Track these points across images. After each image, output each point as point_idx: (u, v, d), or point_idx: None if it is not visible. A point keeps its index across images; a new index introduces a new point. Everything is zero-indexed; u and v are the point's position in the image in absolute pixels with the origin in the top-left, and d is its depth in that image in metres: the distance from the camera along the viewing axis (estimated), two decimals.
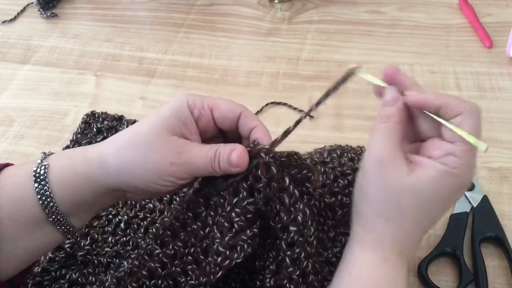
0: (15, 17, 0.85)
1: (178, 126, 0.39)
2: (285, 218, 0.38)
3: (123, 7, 0.85)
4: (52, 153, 0.42)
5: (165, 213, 0.53)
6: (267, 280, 0.39)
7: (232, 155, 0.38)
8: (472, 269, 0.47)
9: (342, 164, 0.52)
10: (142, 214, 0.53)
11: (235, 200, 0.39)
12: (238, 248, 0.38)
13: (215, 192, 0.41)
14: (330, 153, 0.53)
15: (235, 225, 0.38)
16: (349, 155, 0.53)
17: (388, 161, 0.37)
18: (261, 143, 0.40)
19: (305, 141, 0.61)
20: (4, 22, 0.85)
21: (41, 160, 0.40)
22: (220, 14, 0.81)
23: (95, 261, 0.50)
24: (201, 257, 0.40)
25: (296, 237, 0.38)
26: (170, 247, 0.41)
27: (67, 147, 0.62)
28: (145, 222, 0.52)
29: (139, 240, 0.51)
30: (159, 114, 0.39)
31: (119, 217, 0.53)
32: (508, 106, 0.62)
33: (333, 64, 0.70)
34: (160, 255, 0.41)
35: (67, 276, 0.49)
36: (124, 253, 0.50)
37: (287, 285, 0.38)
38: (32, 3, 0.87)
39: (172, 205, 0.54)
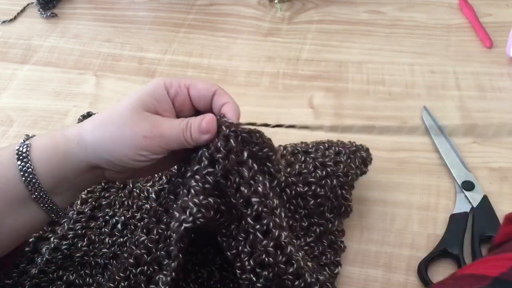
0: (15, 17, 0.85)
1: (152, 104, 0.41)
2: (245, 191, 0.38)
3: (123, 7, 0.85)
4: (34, 136, 0.43)
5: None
6: (246, 263, 0.38)
7: (202, 122, 0.40)
8: None
9: (326, 155, 0.51)
10: (139, 215, 0.53)
11: (196, 167, 0.39)
12: (188, 210, 0.37)
13: (190, 168, 0.41)
14: (318, 144, 0.53)
15: (191, 190, 0.38)
16: (337, 148, 0.52)
17: None
18: (227, 117, 0.41)
19: (305, 141, 0.61)
20: (4, 22, 0.85)
21: (23, 140, 0.41)
22: (220, 14, 0.81)
23: (92, 262, 0.50)
24: None
25: (260, 208, 0.38)
26: (155, 232, 0.41)
27: None
28: (142, 223, 0.52)
29: None
30: (135, 94, 0.41)
31: (116, 218, 0.53)
32: (508, 106, 0.62)
33: (333, 64, 0.70)
34: (146, 241, 0.41)
35: (64, 278, 0.48)
36: (121, 254, 0.50)
37: (266, 259, 0.38)
38: (32, 3, 0.87)
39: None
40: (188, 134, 0.40)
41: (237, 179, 0.39)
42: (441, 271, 0.48)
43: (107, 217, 0.54)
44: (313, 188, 0.48)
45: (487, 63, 0.67)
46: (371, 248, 0.50)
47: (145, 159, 0.41)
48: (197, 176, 0.39)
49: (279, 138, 0.62)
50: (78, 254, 0.50)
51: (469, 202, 0.52)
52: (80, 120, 0.65)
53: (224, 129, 0.39)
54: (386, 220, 0.52)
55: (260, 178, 0.39)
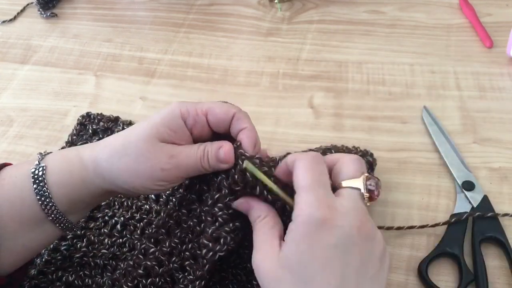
0: (15, 17, 0.85)
1: (167, 134, 0.40)
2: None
3: (123, 7, 0.85)
4: (48, 153, 0.43)
5: (162, 214, 0.52)
6: None
7: (220, 152, 0.39)
8: (472, 269, 0.47)
9: None
10: (138, 215, 0.53)
11: (217, 195, 0.40)
12: (221, 240, 0.39)
13: (207, 188, 0.42)
14: (325, 152, 0.53)
15: (219, 219, 0.39)
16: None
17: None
18: (244, 145, 0.40)
19: (305, 141, 0.61)
20: (4, 22, 0.85)
21: (38, 162, 0.41)
22: (220, 14, 0.81)
23: (92, 263, 0.50)
24: (198, 252, 0.41)
25: None
26: (166, 244, 0.42)
27: (63, 148, 0.62)
28: (141, 224, 0.52)
29: (136, 242, 0.51)
30: (150, 121, 0.40)
31: (115, 218, 0.53)
32: (508, 106, 0.62)
33: (333, 64, 0.70)
34: (156, 253, 0.42)
35: (64, 279, 0.48)
36: (120, 255, 0.50)
37: None
38: (32, 3, 0.87)
39: (169, 206, 0.53)
40: (205, 162, 0.40)
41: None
42: (441, 271, 0.48)
43: (106, 217, 0.53)
44: None
45: (487, 63, 0.67)
46: None
47: (163, 188, 0.41)
48: (220, 204, 0.40)
49: (279, 138, 0.62)
50: (77, 255, 0.50)
51: (469, 202, 0.52)
52: (79, 121, 0.64)
53: (241, 162, 0.39)
54: (386, 220, 0.52)
55: (279, 204, 0.39)
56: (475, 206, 0.51)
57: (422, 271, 0.47)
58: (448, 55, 0.69)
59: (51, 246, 0.51)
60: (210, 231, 0.39)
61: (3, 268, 0.41)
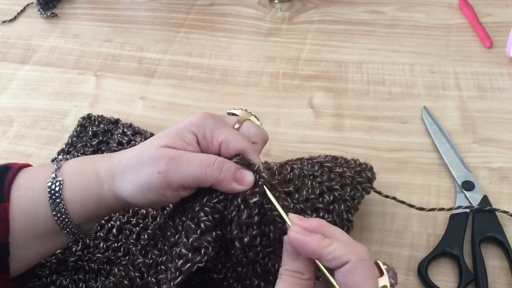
0: (15, 17, 0.86)
1: (180, 145, 0.39)
2: (234, 232, 0.38)
3: (123, 7, 0.85)
4: (61, 160, 0.43)
5: (158, 219, 0.52)
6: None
7: (244, 174, 0.38)
8: (472, 269, 0.47)
9: (331, 179, 0.50)
10: (134, 220, 0.53)
11: (205, 198, 0.38)
12: (202, 250, 0.37)
13: (192, 198, 0.40)
14: (322, 165, 0.51)
15: (201, 225, 0.37)
16: (341, 169, 0.50)
17: None
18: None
19: (304, 141, 0.61)
20: (4, 22, 0.85)
21: (55, 175, 0.41)
22: (220, 14, 0.81)
23: (86, 267, 0.49)
24: (169, 265, 0.39)
25: (240, 256, 0.38)
26: (149, 256, 0.41)
27: (62, 150, 0.62)
28: (137, 228, 0.52)
29: (131, 246, 0.50)
30: (167, 131, 0.40)
31: (112, 222, 0.53)
32: (508, 106, 0.62)
33: (333, 64, 0.70)
34: (140, 264, 0.41)
35: (58, 282, 0.48)
36: (115, 259, 0.50)
37: None
38: (32, 3, 0.87)
39: (165, 211, 0.53)
40: (215, 172, 0.38)
41: (233, 214, 0.38)
42: (441, 271, 0.48)
43: (102, 221, 0.53)
44: (321, 214, 0.47)
45: (487, 63, 0.67)
46: (371, 248, 0.50)
47: (166, 199, 0.40)
48: (206, 209, 0.38)
49: (279, 138, 0.62)
50: (72, 259, 0.50)
51: (469, 202, 0.52)
52: (80, 122, 0.64)
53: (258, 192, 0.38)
54: (386, 220, 0.52)
55: (253, 232, 0.38)
56: (475, 206, 0.51)
57: (422, 271, 0.47)
58: (448, 55, 0.69)
59: None
60: (191, 240, 0.37)
61: (14, 270, 0.41)
